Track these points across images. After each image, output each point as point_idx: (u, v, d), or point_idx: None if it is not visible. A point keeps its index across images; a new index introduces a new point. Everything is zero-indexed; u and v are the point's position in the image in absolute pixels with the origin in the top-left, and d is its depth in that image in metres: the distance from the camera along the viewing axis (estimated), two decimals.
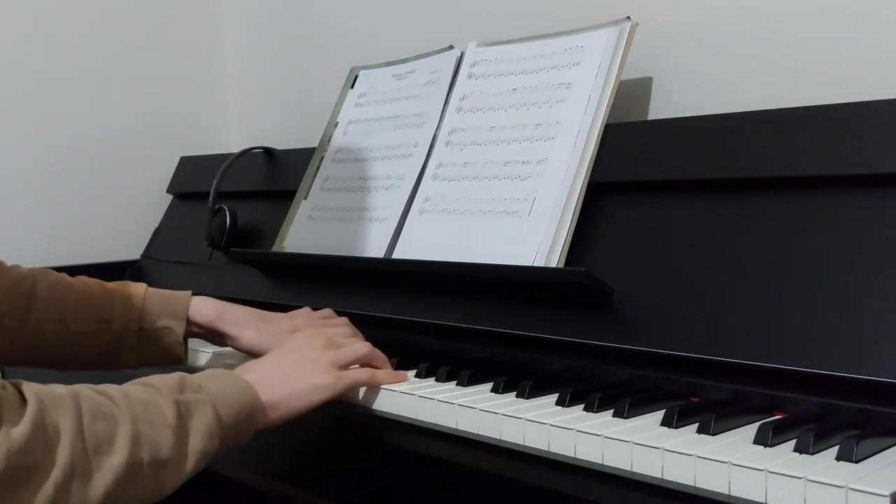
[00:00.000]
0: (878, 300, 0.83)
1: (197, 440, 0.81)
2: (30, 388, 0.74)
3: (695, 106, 1.16)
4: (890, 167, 0.88)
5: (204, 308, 1.16)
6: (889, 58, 1.05)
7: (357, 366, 1.01)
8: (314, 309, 1.22)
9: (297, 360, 0.96)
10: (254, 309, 1.19)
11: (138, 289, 1.16)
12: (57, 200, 1.83)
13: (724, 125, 1.03)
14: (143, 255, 1.85)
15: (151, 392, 0.82)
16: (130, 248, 1.86)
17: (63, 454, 0.72)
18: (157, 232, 1.88)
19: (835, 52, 1.09)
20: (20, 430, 0.70)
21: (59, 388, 0.76)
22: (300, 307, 1.24)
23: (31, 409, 0.71)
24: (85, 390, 0.78)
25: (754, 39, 1.17)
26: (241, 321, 1.15)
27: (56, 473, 0.71)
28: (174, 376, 0.85)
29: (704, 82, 1.21)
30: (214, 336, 1.17)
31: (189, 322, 1.15)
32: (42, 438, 0.71)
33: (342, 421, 0.99)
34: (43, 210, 1.81)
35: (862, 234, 0.88)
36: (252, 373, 0.92)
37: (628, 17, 1.16)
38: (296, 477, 1.08)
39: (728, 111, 1.05)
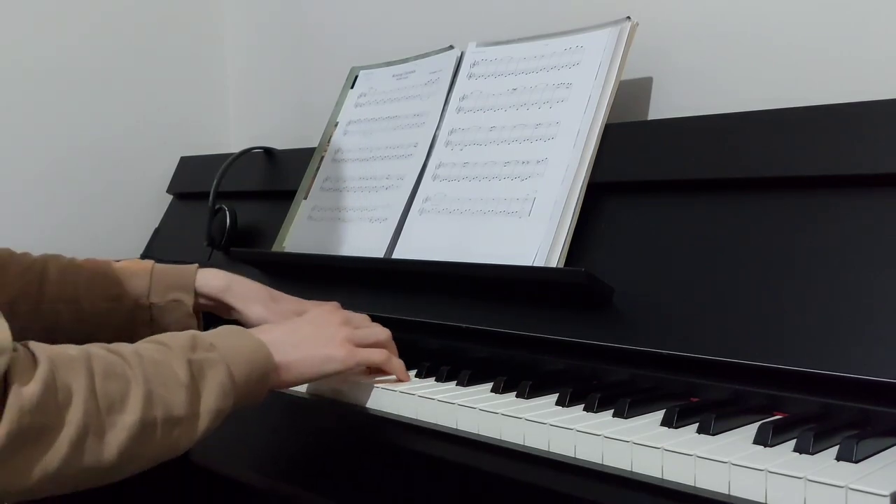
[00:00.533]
0: (878, 300, 0.83)
1: (210, 399, 0.81)
2: (41, 349, 0.74)
3: (695, 106, 1.16)
4: (890, 167, 0.88)
5: (212, 279, 1.16)
6: (889, 58, 1.05)
7: None
8: None
9: (313, 331, 0.96)
10: (264, 286, 1.19)
11: (146, 265, 1.17)
12: (57, 200, 1.83)
13: (724, 125, 1.03)
14: (143, 255, 1.85)
15: (164, 351, 0.82)
16: (130, 248, 1.86)
17: (76, 414, 0.72)
18: (157, 232, 1.88)
19: (835, 52, 1.09)
20: (31, 389, 0.70)
21: (70, 349, 0.76)
22: None
23: (42, 369, 0.71)
24: (97, 350, 0.78)
25: (754, 39, 1.17)
26: (249, 296, 1.16)
27: (69, 432, 0.71)
28: (186, 334, 0.86)
29: (704, 82, 1.21)
30: (223, 309, 1.17)
31: (197, 294, 1.15)
32: (53, 399, 0.71)
33: (342, 421, 0.99)
34: (43, 210, 1.81)
35: (862, 234, 0.88)
36: (267, 333, 0.92)
37: (628, 17, 1.16)
38: (296, 477, 1.08)
39: (728, 111, 1.05)
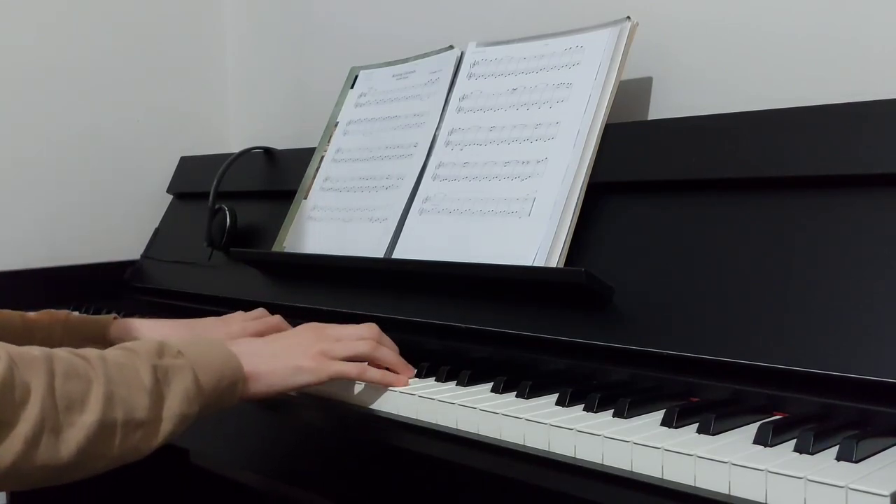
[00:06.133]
0: (878, 300, 0.83)
1: (174, 404, 0.82)
2: (2, 348, 0.75)
3: (695, 106, 1.16)
4: (890, 167, 0.88)
5: (124, 330, 1.17)
6: (889, 58, 1.05)
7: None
8: (322, 312, 1.22)
9: (287, 344, 0.96)
10: (183, 321, 1.20)
11: (59, 315, 1.18)
12: (57, 200, 1.83)
13: (724, 125, 1.03)
14: (143, 255, 1.85)
15: (130, 356, 0.83)
16: (130, 248, 1.86)
17: (32, 411, 0.73)
18: (157, 232, 1.88)
19: (836, 52, 1.09)
20: None
21: (34, 350, 0.78)
22: (300, 307, 1.24)
23: (1, 366, 0.73)
24: (61, 353, 0.79)
25: (754, 39, 1.17)
26: (168, 337, 1.15)
27: (24, 429, 0.72)
28: (154, 342, 0.87)
29: (705, 82, 1.21)
30: None
31: (112, 344, 1.15)
32: (10, 395, 0.72)
33: (342, 421, 0.99)
34: (43, 210, 1.81)
35: (862, 234, 0.88)
36: (238, 345, 0.93)
37: (628, 17, 1.16)
38: (296, 477, 1.08)
39: (728, 111, 1.05)
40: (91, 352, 0.82)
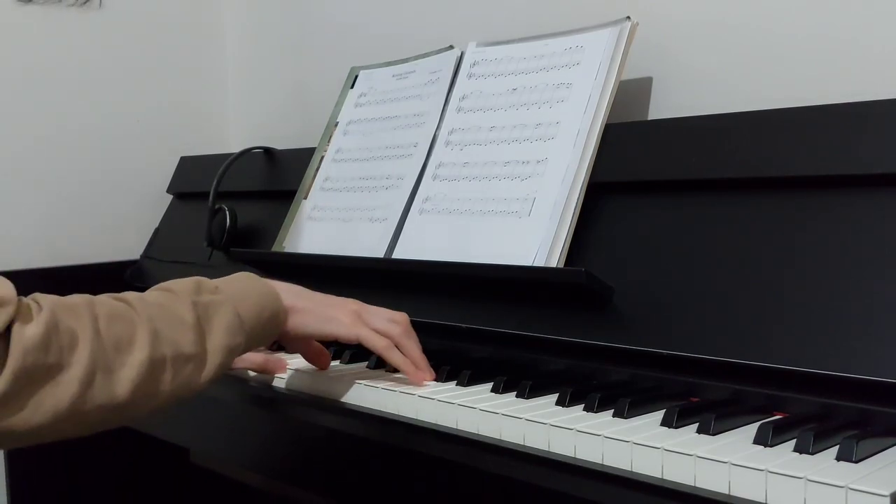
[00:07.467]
0: (879, 300, 0.83)
1: (218, 337, 0.85)
2: (45, 299, 0.77)
3: (695, 106, 1.16)
4: (890, 167, 0.88)
5: None
6: (889, 58, 1.05)
7: None
8: None
9: (325, 296, 1.00)
10: None
11: None
12: (57, 200, 1.83)
13: (724, 125, 1.03)
14: (143, 255, 1.85)
15: (168, 296, 0.85)
16: (130, 248, 1.86)
17: (82, 353, 0.75)
18: (157, 232, 1.88)
19: (836, 52, 1.09)
20: (33, 330, 0.73)
21: (75, 297, 0.80)
22: None
23: (44, 314, 0.75)
24: (102, 297, 0.81)
25: (754, 39, 1.17)
26: None
27: (77, 371, 0.74)
28: (191, 280, 0.89)
29: (705, 82, 1.21)
30: None
31: None
32: (56, 340, 0.74)
33: (342, 421, 0.99)
34: (43, 210, 1.81)
35: (862, 234, 0.88)
36: (277, 285, 0.95)
37: (628, 17, 1.16)
38: (296, 476, 1.08)
39: (728, 111, 1.05)
40: (130, 294, 0.84)
